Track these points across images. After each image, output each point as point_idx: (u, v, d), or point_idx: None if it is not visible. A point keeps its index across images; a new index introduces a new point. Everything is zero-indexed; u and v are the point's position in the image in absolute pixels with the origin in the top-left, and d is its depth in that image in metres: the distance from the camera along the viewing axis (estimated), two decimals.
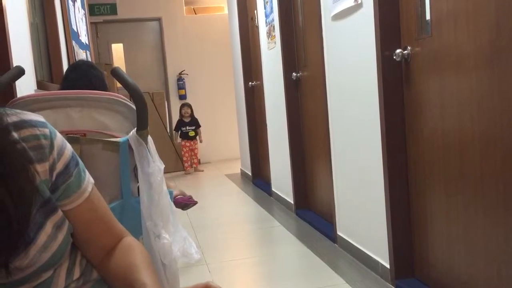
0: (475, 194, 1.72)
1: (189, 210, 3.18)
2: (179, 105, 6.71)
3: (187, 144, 6.31)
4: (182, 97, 7.20)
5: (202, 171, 6.37)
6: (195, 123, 6.39)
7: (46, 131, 0.78)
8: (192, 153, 6.37)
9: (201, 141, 6.45)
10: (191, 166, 6.37)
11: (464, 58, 1.71)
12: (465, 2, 1.68)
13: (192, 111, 6.42)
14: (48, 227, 0.76)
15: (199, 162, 6.54)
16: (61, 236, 0.78)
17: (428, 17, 1.91)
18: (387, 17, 2.09)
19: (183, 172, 6.41)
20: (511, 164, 1.53)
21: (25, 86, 2.08)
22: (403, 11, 2.06)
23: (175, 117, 7.15)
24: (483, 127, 1.65)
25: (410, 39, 2.04)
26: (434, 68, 1.89)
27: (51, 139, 0.78)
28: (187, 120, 6.37)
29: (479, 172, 1.69)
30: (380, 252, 2.32)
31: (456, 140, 1.80)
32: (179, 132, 6.38)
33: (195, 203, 3.09)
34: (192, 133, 6.34)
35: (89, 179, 0.85)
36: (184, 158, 6.34)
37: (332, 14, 2.59)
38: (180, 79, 7.18)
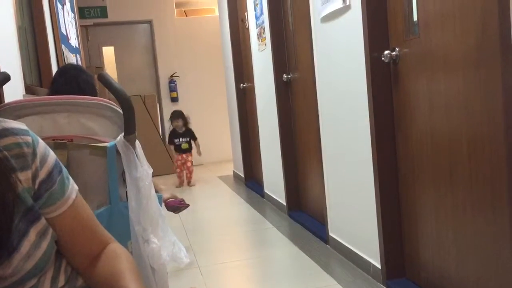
0: (464, 194, 1.73)
1: (181, 213, 3.19)
2: (171, 107, 6.62)
3: (180, 157, 5.55)
4: (174, 99, 7.18)
5: (194, 185, 5.60)
6: (189, 134, 5.63)
7: (29, 139, 0.78)
8: (185, 167, 5.58)
9: (199, 154, 5.70)
10: (183, 182, 5.61)
11: (451, 58, 1.72)
12: (452, 3, 1.69)
13: (185, 121, 5.64)
14: (32, 235, 0.75)
15: (191, 177, 5.75)
16: (45, 244, 0.77)
17: (415, 18, 1.92)
18: (375, 19, 2.10)
19: (175, 176, 5.97)
20: (499, 163, 1.54)
21: (13, 91, 2.06)
22: (391, 12, 2.07)
23: (167, 119, 7.13)
24: (470, 127, 1.66)
25: (398, 40, 2.05)
26: (422, 68, 1.90)
27: (33, 147, 0.78)
28: (180, 131, 5.62)
29: (467, 172, 1.70)
30: (371, 253, 2.33)
31: (445, 140, 1.80)
32: (173, 145, 5.62)
33: (187, 206, 3.10)
34: (185, 146, 5.57)
35: (73, 186, 0.84)
36: (176, 174, 5.63)
37: (321, 16, 2.60)
38: (171, 81, 7.16)
